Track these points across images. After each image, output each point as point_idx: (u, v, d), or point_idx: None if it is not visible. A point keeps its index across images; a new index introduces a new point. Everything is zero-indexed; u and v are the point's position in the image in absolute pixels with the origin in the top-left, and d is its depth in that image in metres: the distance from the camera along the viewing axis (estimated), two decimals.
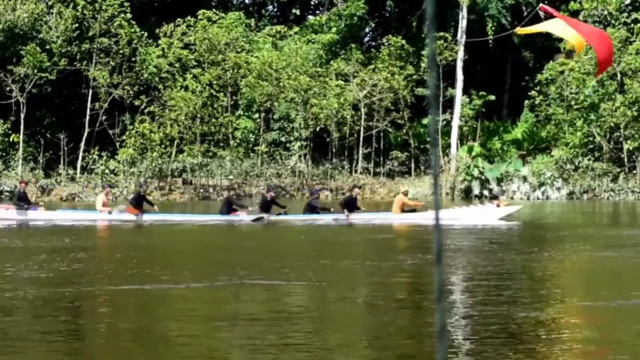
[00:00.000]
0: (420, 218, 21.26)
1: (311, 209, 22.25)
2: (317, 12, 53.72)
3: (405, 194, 22.96)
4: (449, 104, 42.60)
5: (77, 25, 40.23)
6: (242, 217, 21.75)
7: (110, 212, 21.97)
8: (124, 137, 39.82)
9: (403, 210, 22.05)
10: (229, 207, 22.30)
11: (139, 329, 7.76)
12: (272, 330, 7.51)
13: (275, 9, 53.96)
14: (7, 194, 37.13)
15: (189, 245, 16.65)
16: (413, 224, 20.63)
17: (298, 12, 52.66)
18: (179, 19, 42.57)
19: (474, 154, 40.74)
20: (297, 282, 10.51)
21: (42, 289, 9.80)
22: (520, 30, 27.15)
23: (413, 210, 22.13)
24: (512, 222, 21.30)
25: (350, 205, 21.96)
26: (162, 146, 39.70)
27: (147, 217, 21.75)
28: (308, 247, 15.67)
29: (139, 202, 22.20)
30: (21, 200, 22.44)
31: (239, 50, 42.62)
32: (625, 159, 39.19)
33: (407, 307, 9.02)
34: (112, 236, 19.27)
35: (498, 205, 22.47)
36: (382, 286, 10.27)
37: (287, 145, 42.23)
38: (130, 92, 40.22)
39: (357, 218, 21.55)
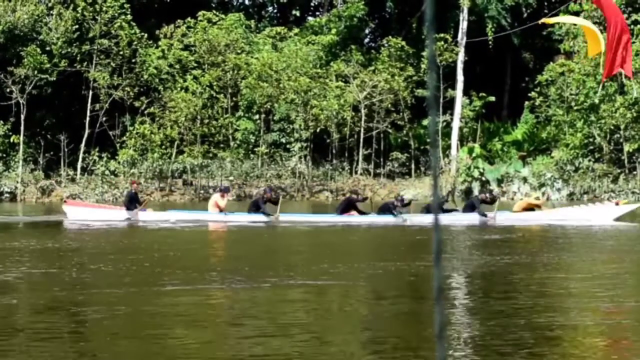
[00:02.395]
0: (542, 217, 21.25)
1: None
2: (317, 13, 53.75)
3: (537, 198, 22.85)
4: (449, 105, 42.61)
5: (77, 26, 40.25)
6: (357, 216, 21.64)
7: (223, 212, 21.78)
8: (124, 138, 39.84)
9: (526, 209, 21.96)
10: (347, 206, 22.12)
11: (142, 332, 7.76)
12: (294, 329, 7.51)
13: (275, 11, 53.98)
14: (7, 195, 37.16)
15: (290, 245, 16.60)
16: (537, 224, 20.62)
17: (298, 14, 52.68)
18: (179, 21, 42.58)
19: (474, 155, 40.74)
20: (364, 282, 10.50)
21: (140, 288, 9.88)
22: (546, 20, 27.19)
23: (532, 209, 22.00)
24: (630, 223, 20.56)
25: (476, 206, 22.16)
26: (163, 147, 39.73)
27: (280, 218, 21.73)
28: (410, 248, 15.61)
29: (258, 206, 22.14)
30: (132, 201, 22.23)
31: (239, 51, 42.63)
32: (626, 160, 39.21)
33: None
34: (209, 237, 19.01)
35: (617, 204, 21.88)
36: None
37: (288, 146, 42.23)
38: (131, 93, 40.23)
39: (472, 218, 21.60)
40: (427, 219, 21.19)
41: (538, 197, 23.43)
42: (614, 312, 8.54)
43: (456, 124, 42.37)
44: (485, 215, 21.33)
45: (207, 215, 22.16)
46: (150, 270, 11.49)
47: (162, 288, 9.89)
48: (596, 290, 10.01)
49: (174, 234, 18.59)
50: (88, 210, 22.61)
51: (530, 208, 22.22)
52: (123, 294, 9.51)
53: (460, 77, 42.76)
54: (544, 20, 27.78)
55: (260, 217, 21.63)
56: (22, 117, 38.28)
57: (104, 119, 39.96)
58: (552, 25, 43.81)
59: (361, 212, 22.18)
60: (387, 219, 21.27)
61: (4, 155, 38.68)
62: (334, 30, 45.35)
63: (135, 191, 23.06)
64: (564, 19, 30.48)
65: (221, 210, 21.98)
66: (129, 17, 40.62)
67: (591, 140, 39.97)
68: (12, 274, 11.21)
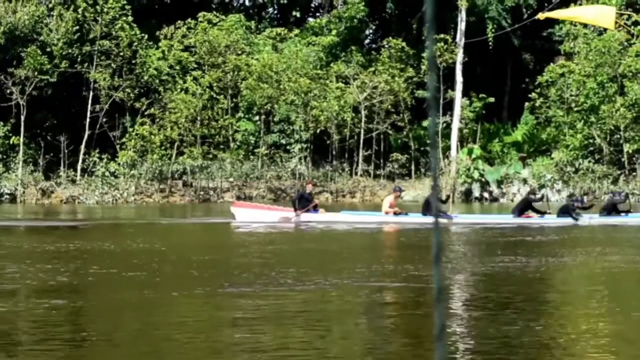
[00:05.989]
0: None
1: (614, 209, 22.05)
2: (317, 14, 53.73)
3: None
4: (449, 107, 42.59)
5: (77, 27, 40.22)
6: (536, 218, 21.33)
7: (396, 214, 21.32)
8: (124, 140, 39.79)
9: None
10: (524, 207, 21.78)
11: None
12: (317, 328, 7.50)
13: (276, 12, 53.96)
14: (7, 196, 37.13)
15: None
16: None
17: (298, 15, 52.66)
18: (179, 22, 42.55)
19: (474, 156, 40.73)
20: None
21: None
22: (542, 15, 27.17)
23: None
24: None
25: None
26: (162, 148, 39.68)
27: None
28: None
29: (428, 206, 21.58)
30: (306, 202, 21.79)
31: (239, 52, 42.61)
32: (626, 161, 39.20)
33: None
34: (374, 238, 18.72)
35: None
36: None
37: (288, 147, 42.22)
38: (131, 94, 40.20)
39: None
40: (611, 220, 21.23)
41: None
42: (620, 317, 8.53)
43: (456, 125, 42.35)
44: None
45: (380, 216, 21.67)
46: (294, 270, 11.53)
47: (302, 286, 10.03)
48: (605, 293, 10.01)
49: (341, 236, 18.42)
50: (256, 212, 22.23)
51: None
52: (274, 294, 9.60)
53: (459, 78, 42.73)
54: (540, 15, 27.75)
55: (429, 219, 21.01)
56: (22, 118, 38.27)
57: (104, 120, 39.93)
58: (552, 26, 43.84)
59: (539, 212, 21.84)
60: (565, 221, 21.13)
61: (4, 156, 38.64)
62: (334, 32, 45.34)
63: (310, 192, 22.50)
64: (560, 12, 30.36)
65: (395, 212, 21.45)
66: (130, 18, 40.59)
67: (591, 141, 39.97)
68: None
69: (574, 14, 29.30)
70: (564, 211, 21.78)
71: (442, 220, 20.32)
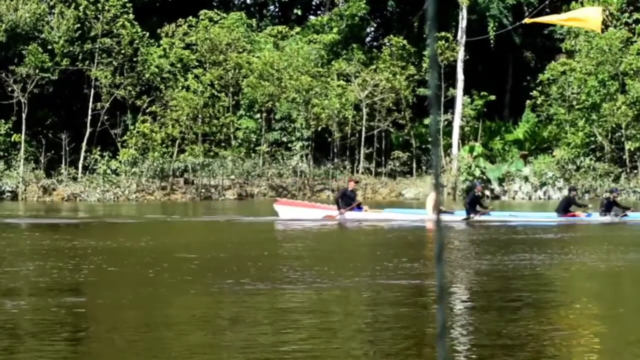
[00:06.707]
0: None
1: None
2: (319, 12, 53.70)
3: None
4: (450, 104, 42.59)
5: (79, 25, 40.22)
6: (583, 217, 21.19)
7: (442, 212, 20.79)
8: (125, 137, 39.79)
9: None
10: (567, 206, 21.62)
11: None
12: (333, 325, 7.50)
13: (277, 9, 53.95)
14: (9, 194, 37.15)
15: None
16: None
17: (299, 13, 52.64)
18: (180, 19, 42.54)
19: (475, 154, 40.71)
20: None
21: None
22: (528, 20, 27.19)
23: None
24: None
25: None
26: (164, 146, 39.68)
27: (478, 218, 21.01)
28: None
29: (473, 204, 21.50)
30: (349, 200, 21.63)
31: (241, 50, 42.60)
32: (627, 159, 39.20)
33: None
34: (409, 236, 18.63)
35: None
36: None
37: (289, 145, 42.21)
38: (132, 92, 40.19)
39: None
40: None
41: None
42: (619, 314, 8.53)
43: (457, 123, 42.34)
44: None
45: (424, 215, 21.50)
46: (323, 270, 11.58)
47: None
48: (604, 290, 10.00)
49: (381, 234, 18.43)
50: (300, 210, 22.11)
51: None
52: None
53: (460, 76, 42.71)
54: (526, 20, 27.78)
55: (456, 218, 20.87)
56: (24, 116, 38.28)
57: (106, 117, 39.93)
58: (554, 24, 43.80)
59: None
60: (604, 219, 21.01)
61: (6, 154, 38.66)
62: (335, 29, 45.31)
63: (353, 189, 22.23)
64: (547, 18, 30.45)
65: (440, 211, 20.98)
66: (131, 15, 40.57)
67: (592, 139, 39.97)
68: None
69: (558, 18, 29.34)
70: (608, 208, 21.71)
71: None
